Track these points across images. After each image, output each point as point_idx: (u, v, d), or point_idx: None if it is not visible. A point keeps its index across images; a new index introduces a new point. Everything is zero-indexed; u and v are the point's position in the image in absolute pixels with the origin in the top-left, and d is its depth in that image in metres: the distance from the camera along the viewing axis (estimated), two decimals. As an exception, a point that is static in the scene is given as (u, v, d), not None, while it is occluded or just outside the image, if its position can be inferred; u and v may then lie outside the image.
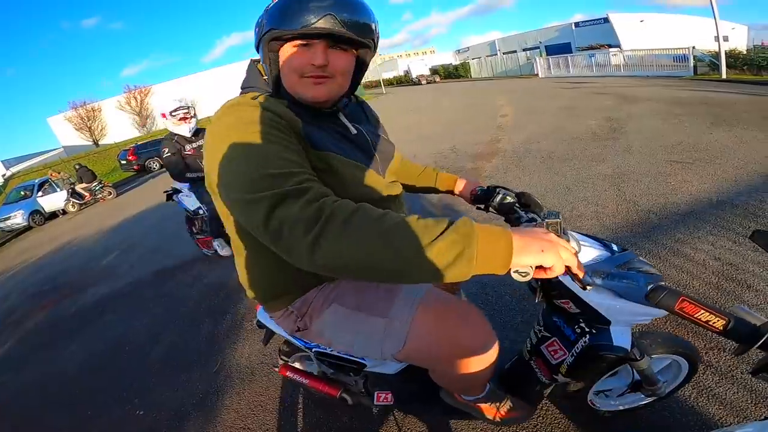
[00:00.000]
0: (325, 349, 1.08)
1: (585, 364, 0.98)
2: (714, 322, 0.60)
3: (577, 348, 0.97)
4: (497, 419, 1.14)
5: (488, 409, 1.13)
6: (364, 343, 0.96)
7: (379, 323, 0.92)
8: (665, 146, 4.52)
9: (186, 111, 3.35)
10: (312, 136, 0.78)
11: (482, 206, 1.17)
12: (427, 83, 31.72)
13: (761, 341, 0.56)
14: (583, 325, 0.96)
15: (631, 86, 10.91)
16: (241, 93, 0.87)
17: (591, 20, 28.65)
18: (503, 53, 33.56)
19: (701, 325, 0.60)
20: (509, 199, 1.10)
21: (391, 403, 1.19)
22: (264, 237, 0.64)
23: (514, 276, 0.61)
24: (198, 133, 3.49)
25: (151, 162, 16.35)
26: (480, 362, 0.92)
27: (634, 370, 1.09)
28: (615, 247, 0.96)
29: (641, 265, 0.92)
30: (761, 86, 8.49)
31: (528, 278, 0.61)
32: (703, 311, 0.60)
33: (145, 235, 6.09)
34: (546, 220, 0.79)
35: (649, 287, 0.71)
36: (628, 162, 4.19)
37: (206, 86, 32.77)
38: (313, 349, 1.12)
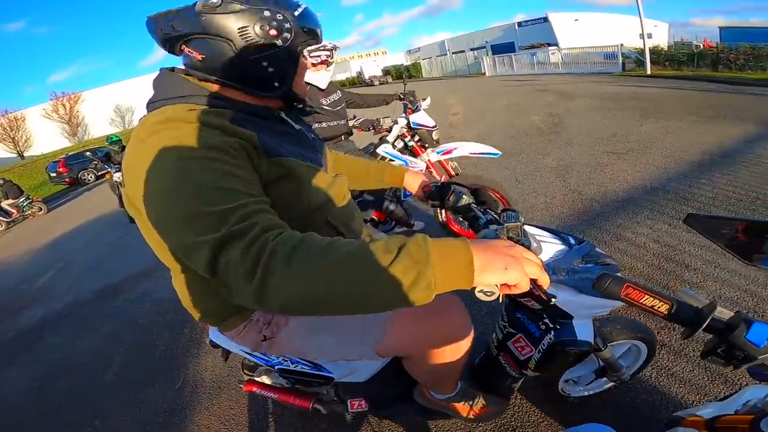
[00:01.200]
0: (288, 365, 1.03)
1: (552, 359, 0.98)
2: (659, 307, 0.60)
3: (543, 345, 0.97)
4: (471, 416, 1.15)
5: (462, 408, 1.14)
6: (341, 343, 0.92)
7: (355, 319, 0.88)
8: (602, 138, 4.84)
9: (329, 53, 2.49)
10: (267, 145, 0.75)
11: (437, 203, 1.14)
12: (380, 84, 31.69)
13: (705, 324, 0.56)
14: (546, 321, 0.96)
15: (569, 83, 11.62)
16: (165, 105, 0.76)
17: (532, 20, 30.01)
18: (452, 53, 34.53)
19: (647, 310, 0.60)
20: (465, 199, 1.07)
21: (366, 409, 1.17)
22: (211, 281, 0.60)
23: (479, 296, 0.57)
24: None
25: (85, 174, 15.05)
26: (456, 349, 0.92)
27: (599, 359, 1.11)
28: (572, 240, 0.96)
29: (598, 256, 0.93)
30: (682, 80, 9.39)
31: (494, 297, 0.58)
32: (647, 296, 0.60)
33: (81, 252, 5.60)
34: (506, 224, 0.77)
35: (594, 276, 0.71)
36: (570, 154, 4.45)
37: (144, 91, 30.78)
38: (276, 367, 1.06)
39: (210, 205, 0.59)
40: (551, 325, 0.95)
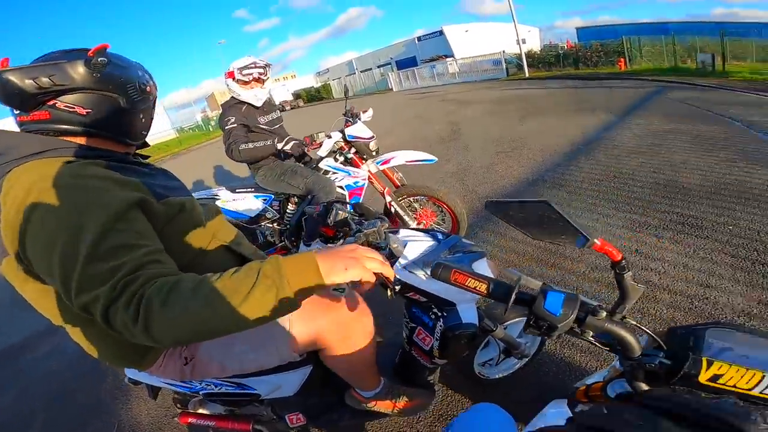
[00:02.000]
0: (213, 389, 1.03)
1: (448, 344, 1.06)
2: (479, 287, 0.65)
3: (437, 332, 1.06)
4: (395, 411, 1.21)
5: (387, 405, 1.20)
6: (256, 351, 0.95)
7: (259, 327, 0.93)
8: (492, 140, 5.40)
9: (262, 71, 2.47)
10: (151, 188, 0.79)
11: (323, 221, 1.21)
12: (291, 108, 31.05)
13: (512, 298, 0.60)
14: (435, 310, 1.06)
15: (465, 91, 12.72)
16: (30, 160, 0.72)
17: (429, 34, 31.80)
18: (360, 71, 35.49)
19: (472, 291, 0.67)
20: (341, 214, 1.16)
21: (305, 422, 1.19)
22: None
23: (333, 293, 0.68)
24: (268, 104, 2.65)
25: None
26: (360, 335, 1.00)
27: (496, 340, 1.22)
28: (440, 236, 1.08)
29: (466, 246, 1.06)
30: (552, 80, 10.84)
31: (344, 293, 0.70)
32: (470, 279, 0.66)
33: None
34: (364, 231, 0.88)
35: (431, 266, 0.77)
36: (467, 158, 4.88)
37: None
38: (201, 392, 1.06)
39: (103, 262, 0.64)
40: (439, 314, 1.06)
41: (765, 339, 0.56)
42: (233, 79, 2.46)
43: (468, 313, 1.07)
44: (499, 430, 0.68)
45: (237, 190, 2.62)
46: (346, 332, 1.00)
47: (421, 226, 2.70)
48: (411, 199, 2.75)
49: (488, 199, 0.77)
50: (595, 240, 0.61)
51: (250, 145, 2.37)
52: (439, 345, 1.08)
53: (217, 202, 2.55)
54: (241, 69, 2.42)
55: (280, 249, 2.66)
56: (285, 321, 0.95)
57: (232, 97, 2.52)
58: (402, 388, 1.23)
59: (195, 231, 0.88)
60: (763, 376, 0.50)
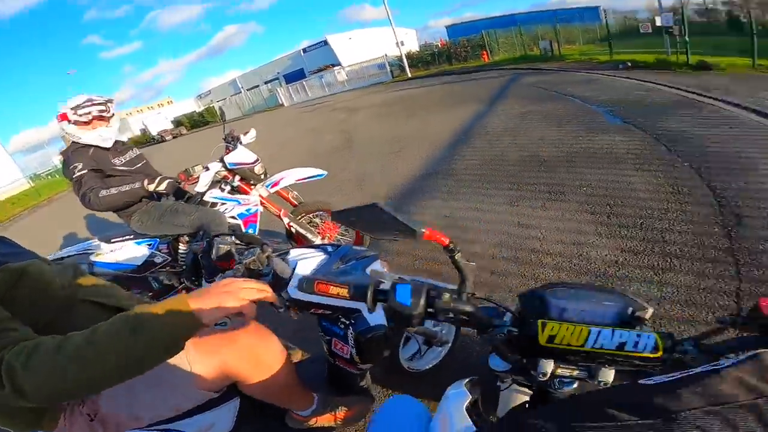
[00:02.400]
0: None
1: (364, 349, 1.07)
2: (342, 293, 0.67)
3: (350, 340, 1.06)
4: (338, 422, 1.21)
5: (329, 418, 1.20)
6: (162, 393, 0.91)
7: (154, 370, 0.85)
8: (383, 142, 5.61)
9: (102, 107, 2.12)
10: None
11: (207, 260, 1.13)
12: (173, 138, 27.56)
13: (369, 295, 0.61)
14: (343, 319, 1.06)
15: (354, 98, 13.05)
16: None
17: (314, 44, 31.62)
18: (247, 90, 33.99)
19: (336, 297, 0.68)
20: (223, 248, 1.09)
21: None
22: None
23: (216, 329, 0.67)
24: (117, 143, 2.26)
25: None
26: (271, 356, 0.97)
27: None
28: (330, 248, 1.09)
29: (357, 253, 1.08)
30: (431, 78, 11.71)
31: (227, 327, 0.69)
32: (331, 287, 0.69)
33: None
34: (244, 262, 0.86)
35: (301, 281, 0.77)
36: (362, 164, 4.99)
37: None
38: None
39: None
40: (347, 322, 1.06)
41: (591, 292, 0.59)
42: (68, 121, 2.14)
43: (374, 316, 1.07)
44: (413, 420, 0.71)
45: (112, 240, 2.30)
46: (255, 359, 0.96)
47: (326, 241, 2.68)
48: (310, 215, 2.71)
49: (334, 210, 0.78)
50: (423, 230, 0.62)
51: (113, 191, 2.08)
52: (357, 351, 1.09)
53: (92, 257, 2.24)
54: (75, 109, 2.13)
55: (181, 291, 2.39)
56: (182, 361, 0.91)
57: (73, 142, 2.19)
58: (337, 399, 1.23)
59: (47, 292, 0.85)
60: (590, 331, 0.51)
